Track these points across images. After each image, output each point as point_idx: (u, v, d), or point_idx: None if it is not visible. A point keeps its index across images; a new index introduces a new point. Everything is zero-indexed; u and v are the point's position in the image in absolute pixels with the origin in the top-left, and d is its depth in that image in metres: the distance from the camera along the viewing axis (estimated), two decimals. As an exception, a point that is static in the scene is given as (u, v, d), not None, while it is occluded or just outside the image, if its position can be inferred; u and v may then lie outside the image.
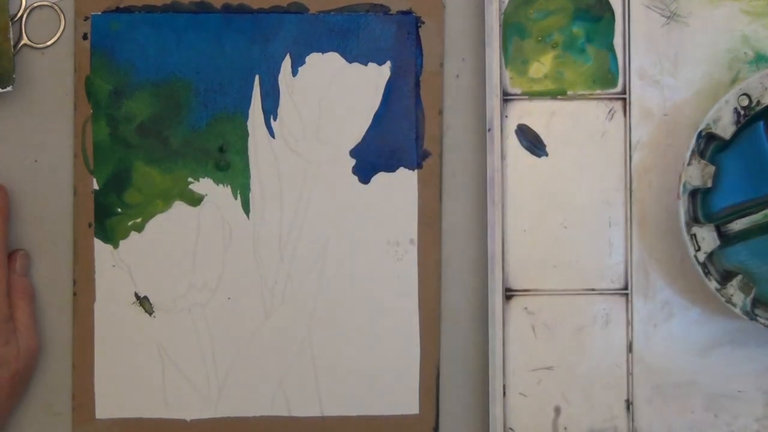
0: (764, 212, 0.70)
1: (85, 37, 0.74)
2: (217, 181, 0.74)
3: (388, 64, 0.74)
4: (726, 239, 0.71)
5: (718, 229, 0.70)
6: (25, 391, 0.73)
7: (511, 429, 0.74)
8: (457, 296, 0.75)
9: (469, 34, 0.75)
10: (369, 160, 0.74)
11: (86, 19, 0.74)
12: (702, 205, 0.71)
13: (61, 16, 0.74)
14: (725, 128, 0.69)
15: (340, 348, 0.74)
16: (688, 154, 0.69)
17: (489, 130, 0.73)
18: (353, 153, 0.74)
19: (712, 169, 0.69)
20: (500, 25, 0.73)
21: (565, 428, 0.74)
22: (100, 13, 0.74)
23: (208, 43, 0.74)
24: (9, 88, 0.72)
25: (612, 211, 0.74)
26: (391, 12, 0.74)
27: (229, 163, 0.74)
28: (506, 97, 0.74)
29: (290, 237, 0.74)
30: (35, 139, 0.74)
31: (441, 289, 0.75)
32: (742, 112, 0.69)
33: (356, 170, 0.74)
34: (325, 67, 0.74)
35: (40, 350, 0.73)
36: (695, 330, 0.74)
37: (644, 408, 0.74)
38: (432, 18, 0.74)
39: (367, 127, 0.74)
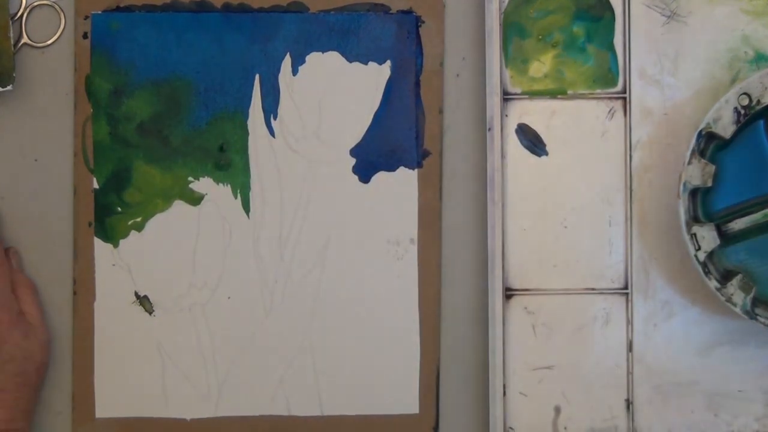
0: (764, 212, 0.70)
1: (85, 36, 0.74)
2: (217, 181, 0.74)
3: (389, 63, 0.74)
4: (726, 238, 0.71)
5: (718, 228, 0.70)
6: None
7: (511, 428, 0.74)
8: (457, 296, 0.75)
9: (469, 33, 0.75)
10: (369, 160, 0.74)
11: (86, 18, 0.74)
12: (702, 204, 0.71)
13: (62, 15, 0.74)
14: (725, 127, 0.69)
15: (340, 348, 0.74)
16: (689, 153, 0.69)
17: (489, 129, 0.73)
18: (353, 152, 0.74)
19: (712, 168, 0.69)
20: (500, 25, 0.73)
21: (565, 428, 0.74)
22: (100, 12, 0.74)
23: (208, 43, 0.74)
24: (9, 87, 0.72)
25: (612, 211, 0.74)
26: (391, 11, 0.74)
27: (229, 163, 0.74)
28: (506, 97, 0.74)
29: (290, 236, 0.74)
30: (35, 139, 0.74)
31: (441, 289, 0.75)
32: (743, 112, 0.69)
33: (356, 169, 0.74)
34: (325, 66, 0.74)
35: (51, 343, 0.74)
36: (695, 329, 0.74)
37: (644, 408, 0.74)
38: (432, 17, 0.74)
39: (368, 126, 0.74)
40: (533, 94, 0.74)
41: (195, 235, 0.74)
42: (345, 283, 0.74)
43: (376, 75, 0.74)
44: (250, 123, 0.74)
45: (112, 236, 0.74)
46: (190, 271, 0.74)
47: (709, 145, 0.70)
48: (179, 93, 0.74)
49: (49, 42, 0.74)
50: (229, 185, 0.74)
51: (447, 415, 0.75)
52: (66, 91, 0.74)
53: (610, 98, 0.74)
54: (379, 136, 0.74)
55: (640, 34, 0.73)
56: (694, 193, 0.70)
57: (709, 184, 0.69)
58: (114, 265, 0.74)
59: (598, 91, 0.74)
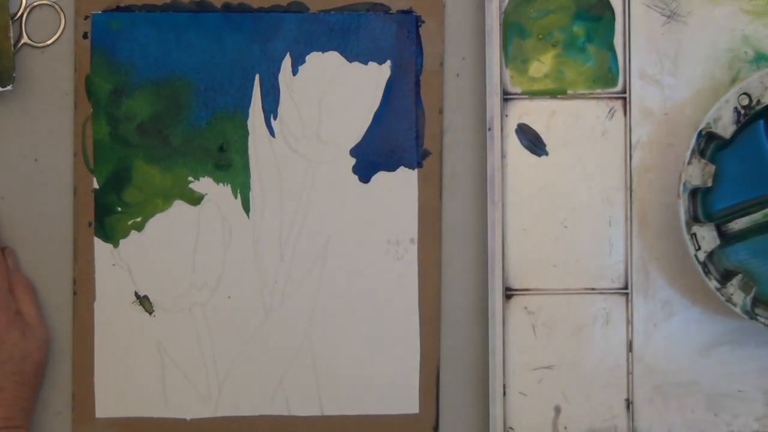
0: (764, 212, 0.70)
1: (85, 36, 0.74)
2: (217, 180, 0.74)
3: (389, 63, 0.74)
4: (726, 238, 0.71)
5: (718, 228, 0.70)
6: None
7: (511, 428, 0.74)
8: (457, 296, 0.75)
9: (469, 33, 0.75)
10: (369, 160, 0.74)
11: (86, 18, 0.74)
12: (702, 204, 0.71)
13: (62, 15, 0.74)
14: (725, 127, 0.69)
15: (340, 347, 0.74)
16: (689, 153, 0.69)
17: (489, 129, 0.73)
18: (353, 152, 0.74)
19: (712, 168, 0.69)
20: (500, 25, 0.73)
21: (565, 428, 0.74)
22: (100, 12, 0.74)
23: (208, 43, 0.74)
24: (9, 87, 0.72)
25: (612, 211, 0.74)
26: (391, 11, 0.74)
27: (229, 162, 0.74)
28: (506, 96, 0.74)
29: (290, 236, 0.74)
30: (35, 139, 0.74)
31: (441, 289, 0.75)
32: (743, 112, 0.69)
33: (356, 169, 0.74)
34: (325, 66, 0.74)
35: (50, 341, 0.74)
36: (695, 329, 0.74)
37: (644, 407, 0.74)
38: (432, 17, 0.74)
39: (368, 126, 0.74)
40: (533, 94, 0.74)
41: (195, 235, 0.74)
42: (345, 283, 0.74)
43: (376, 75, 0.74)
44: (250, 123, 0.74)
45: (112, 236, 0.74)
46: (190, 271, 0.74)
47: (709, 145, 0.70)
48: (179, 93, 0.74)
49: (49, 42, 0.74)
50: (229, 185, 0.74)
51: (447, 415, 0.75)
52: (66, 91, 0.74)
53: (610, 98, 0.74)
54: (379, 136, 0.74)
55: (640, 34, 0.73)
56: (694, 193, 0.70)
57: (709, 184, 0.69)
58: (114, 265, 0.74)
59: (598, 91, 0.74)
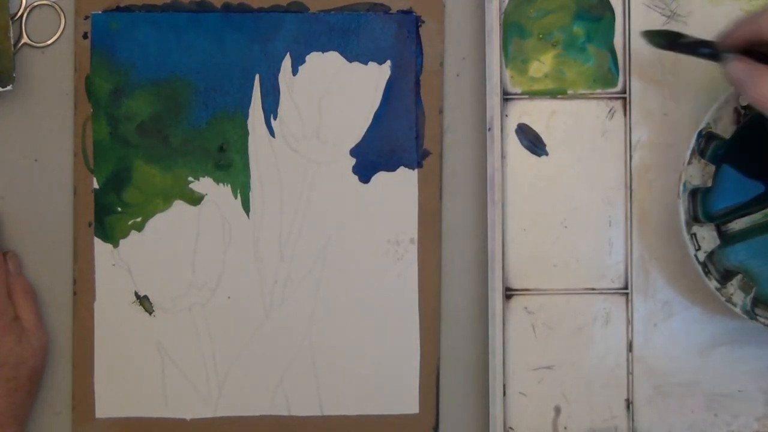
0: (764, 212, 0.70)
1: (85, 36, 0.74)
2: (217, 181, 0.74)
3: (389, 63, 0.74)
4: (726, 239, 0.71)
5: (718, 228, 0.70)
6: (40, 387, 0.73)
7: (511, 428, 0.74)
8: (457, 296, 0.75)
9: (469, 33, 0.75)
10: (369, 160, 0.74)
11: (86, 18, 0.74)
12: (702, 204, 0.71)
13: (62, 15, 0.74)
14: (725, 128, 0.69)
15: (340, 347, 0.74)
16: (689, 153, 0.69)
17: (489, 129, 0.73)
18: (353, 152, 0.74)
19: (712, 168, 0.69)
20: (500, 24, 0.73)
21: (565, 428, 0.74)
22: (100, 12, 0.74)
23: (208, 43, 0.74)
24: (9, 88, 0.72)
25: (612, 211, 0.74)
26: (391, 11, 0.74)
27: (229, 163, 0.74)
28: (506, 97, 0.74)
29: (290, 236, 0.74)
30: (35, 139, 0.74)
31: (441, 289, 0.75)
32: (742, 112, 0.69)
33: (356, 169, 0.74)
34: (325, 66, 0.74)
35: (48, 346, 0.73)
36: (695, 329, 0.74)
37: (644, 408, 0.74)
38: (432, 17, 0.74)
39: (368, 126, 0.74)
40: (533, 94, 0.74)
41: (195, 235, 0.74)
42: (345, 283, 0.74)
43: (376, 75, 0.74)
44: (250, 123, 0.74)
45: (112, 236, 0.74)
46: (190, 271, 0.74)
47: (709, 145, 0.70)
48: (179, 93, 0.74)
49: (49, 42, 0.74)
50: (229, 185, 0.74)
51: (447, 415, 0.75)
52: (66, 91, 0.74)
53: (610, 98, 0.74)
54: (379, 136, 0.74)
55: (641, 33, 0.74)
56: (694, 193, 0.70)
57: (709, 184, 0.69)
58: (114, 265, 0.74)
59: (598, 91, 0.74)
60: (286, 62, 0.74)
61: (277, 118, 0.74)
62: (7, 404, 0.70)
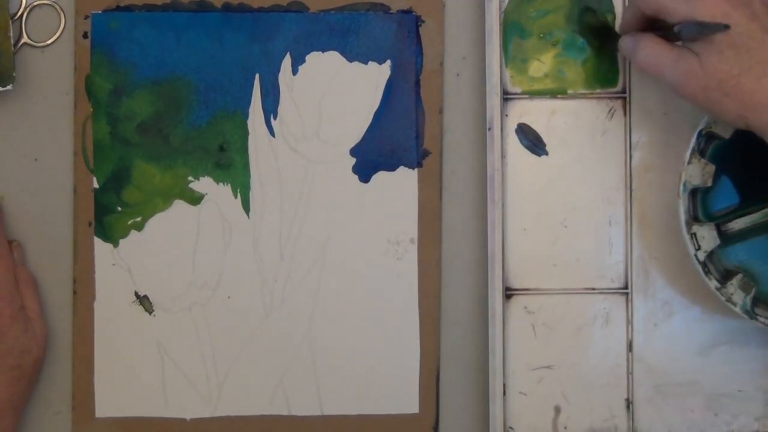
0: (764, 212, 0.70)
1: (85, 35, 0.74)
2: (217, 180, 0.74)
3: (389, 62, 0.74)
4: (726, 238, 0.71)
5: (718, 228, 0.70)
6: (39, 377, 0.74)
7: (511, 428, 0.74)
8: (457, 296, 0.75)
9: (469, 32, 0.75)
10: (369, 159, 0.74)
11: (86, 17, 0.74)
12: (702, 204, 0.71)
13: (62, 14, 0.74)
14: (725, 127, 0.69)
15: (339, 347, 0.74)
16: (689, 153, 0.69)
17: (489, 129, 0.73)
18: (353, 152, 0.74)
19: (712, 168, 0.69)
20: (500, 24, 0.73)
21: (565, 427, 0.74)
22: (100, 11, 0.74)
23: (208, 42, 0.74)
24: (9, 87, 0.72)
25: (612, 210, 0.74)
26: (391, 11, 0.74)
27: (229, 162, 0.74)
28: (506, 96, 0.74)
29: (290, 236, 0.74)
30: (35, 139, 0.74)
31: (441, 289, 0.75)
32: (743, 112, 0.69)
33: (356, 169, 0.74)
34: (325, 65, 0.74)
35: (49, 337, 0.74)
36: (695, 329, 0.74)
37: (644, 407, 0.74)
38: (432, 17, 0.74)
39: (368, 126, 0.74)
40: (533, 94, 0.74)
41: (195, 235, 0.74)
42: (345, 283, 0.74)
43: (376, 75, 0.74)
44: (250, 123, 0.74)
45: (111, 236, 0.74)
46: (190, 271, 0.74)
47: (709, 145, 0.70)
48: (179, 93, 0.74)
49: (49, 42, 0.74)
50: (229, 185, 0.74)
51: (447, 415, 0.75)
52: (66, 91, 0.74)
53: (610, 98, 0.74)
54: (379, 135, 0.74)
55: (640, 33, 0.73)
56: (694, 192, 0.70)
57: (709, 184, 0.69)
58: (114, 264, 0.74)
59: (598, 90, 0.74)
60: (286, 62, 0.74)
61: (277, 118, 0.74)
62: (8, 393, 0.70)
